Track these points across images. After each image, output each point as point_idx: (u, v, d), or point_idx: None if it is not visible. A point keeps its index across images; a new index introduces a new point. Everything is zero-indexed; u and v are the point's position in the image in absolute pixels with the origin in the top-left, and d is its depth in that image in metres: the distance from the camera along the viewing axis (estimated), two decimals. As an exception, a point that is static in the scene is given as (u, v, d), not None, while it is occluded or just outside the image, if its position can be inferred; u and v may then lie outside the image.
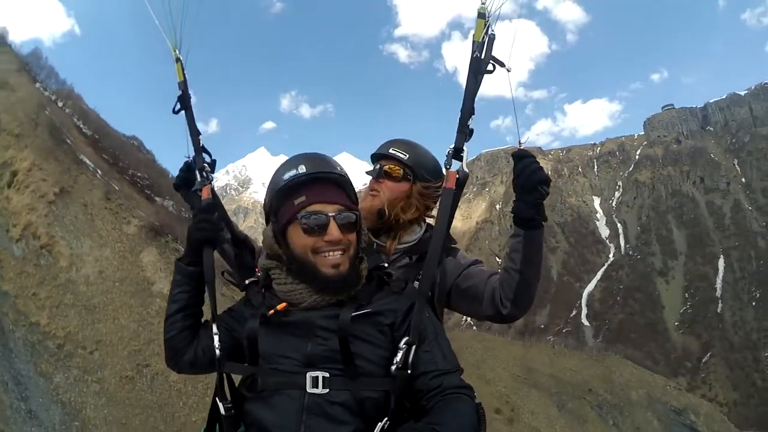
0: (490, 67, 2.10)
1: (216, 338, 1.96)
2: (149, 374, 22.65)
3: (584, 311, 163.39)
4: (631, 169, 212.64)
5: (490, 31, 2.11)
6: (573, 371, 53.59)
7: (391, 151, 2.53)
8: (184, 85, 2.60)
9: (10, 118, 30.19)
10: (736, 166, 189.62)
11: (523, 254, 2.06)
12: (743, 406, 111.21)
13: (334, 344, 1.78)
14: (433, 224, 2.22)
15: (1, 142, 28.75)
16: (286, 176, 1.92)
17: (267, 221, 2.06)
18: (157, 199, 36.22)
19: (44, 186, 27.29)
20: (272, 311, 1.86)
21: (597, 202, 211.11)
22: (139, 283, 26.67)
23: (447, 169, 2.14)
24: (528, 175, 1.96)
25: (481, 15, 2.10)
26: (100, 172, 33.68)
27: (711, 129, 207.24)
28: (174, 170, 2.43)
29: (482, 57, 2.10)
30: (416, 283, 2.11)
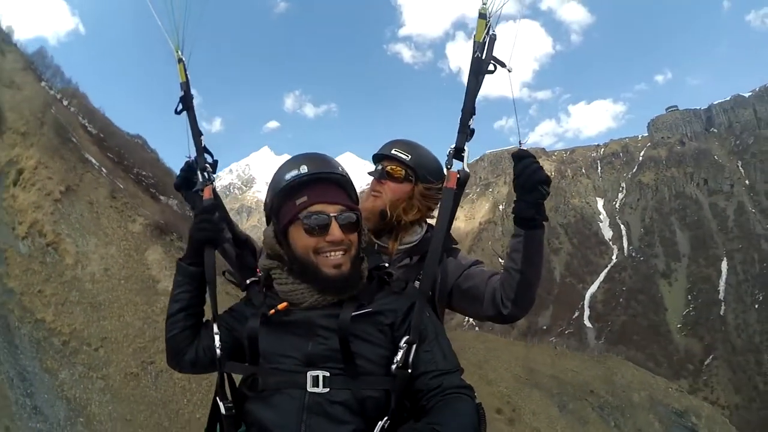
0: (491, 68, 2.11)
1: (217, 338, 1.97)
2: (154, 371, 22.70)
3: (587, 313, 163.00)
4: (634, 170, 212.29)
5: (491, 32, 2.12)
6: (574, 372, 53.56)
7: (393, 151, 2.53)
8: (186, 86, 2.61)
9: (16, 116, 30.20)
10: (740, 168, 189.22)
11: (524, 254, 2.07)
12: (745, 409, 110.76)
13: (334, 343, 1.79)
14: (434, 224, 2.21)
15: (7, 141, 28.76)
16: (288, 176, 1.93)
17: (267, 221, 2.09)
18: (161, 197, 36.34)
19: (50, 184, 27.37)
20: (273, 311, 1.87)
21: (600, 203, 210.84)
22: (145, 281, 26.79)
23: (448, 168, 2.16)
24: (528, 175, 1.97)
25: (482, 15, 2.12)
26: (105, 170, 33.76)
27: (715, 131, 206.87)
28: (178, 169, 2.50)
29: (483, 57, 2.11)
30: (417, 283, 2.11)
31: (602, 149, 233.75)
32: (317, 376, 1.75)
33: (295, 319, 1.87)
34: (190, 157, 2.54)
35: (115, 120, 51.48)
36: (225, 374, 1.98)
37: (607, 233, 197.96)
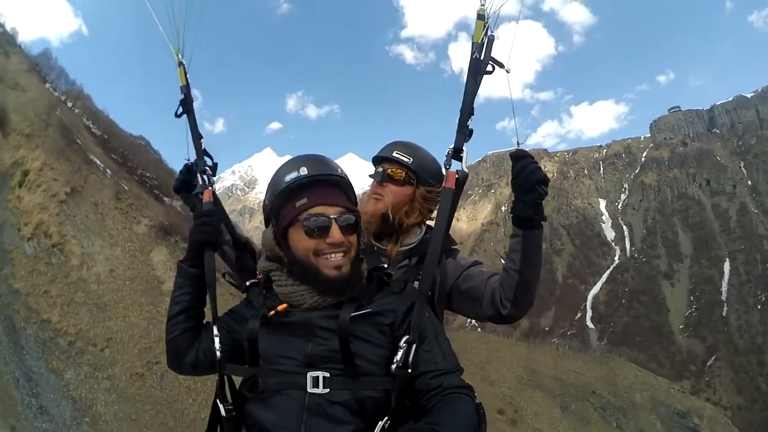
0: (489, 68, 2.13)
1: (217, 340, 1.98)
2: (159, 371, 22.75)
3: (589, 314, 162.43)
4: (637, 171, 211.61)
5: (489, 33, 2.14)
6: (577, 373, 53.43)
7: (394, 154, 2.52)
8: (186, 89, 2.61)
9: (20, 118, 30.28)
10: (743, 168, 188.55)
11: (522, 254, 2.08)
12: (747, 410, 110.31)
13: (334, 344, 1.79)
14: (433, 225, 2.22)
15: (12, 142, 28.87)
16: (288, 178, 1.93)
17: (266, 223, 2.08)
18: (165, 199, 36.42)
19: (55, 185, 27.48)
20: (273, 312, 1.87)
21: (603, 204, 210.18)
22: (150, 281, 26.89)
23: (447, 169, 2.17)
24: (526, 175, 1.98)
25: (480, 16, 2.14)
26: (109, 172, 33.84)
27: (717, 131, 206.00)
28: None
29: (481, 58, 2.13)
30: (416, 284, 2.12)
31: (604, 150, 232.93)
32: (317, 376, 1.76)
33: (295, 321, 1.88)
34: (189, 160, 2.56)
35: (117, 121, 51.44)
36: (225, 376, 1.99)
37: (610, 234, 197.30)
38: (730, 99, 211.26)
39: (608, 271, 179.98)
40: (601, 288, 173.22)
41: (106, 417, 21.21)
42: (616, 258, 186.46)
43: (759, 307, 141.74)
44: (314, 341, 1.83)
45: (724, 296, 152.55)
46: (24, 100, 32.52)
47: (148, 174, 41.07)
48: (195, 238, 2.18)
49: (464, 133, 2.15)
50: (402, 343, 1.81)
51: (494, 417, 37.82)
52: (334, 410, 1.72)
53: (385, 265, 2.21)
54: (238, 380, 1.99)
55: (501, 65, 2.12)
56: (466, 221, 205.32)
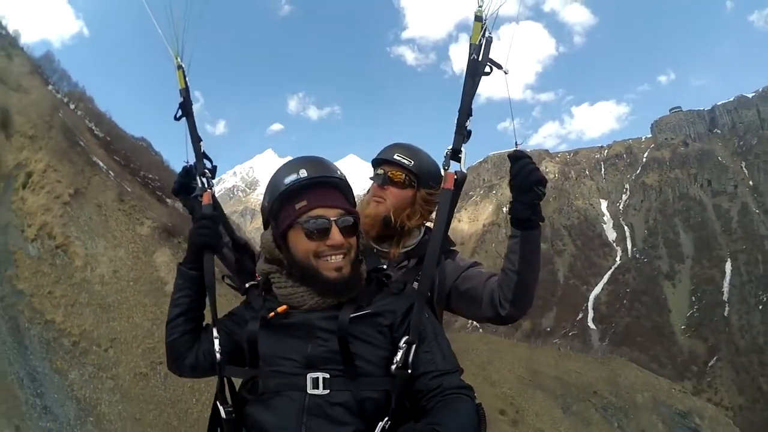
0: (487, 69, 2.13)
1: (216, 342, 1.97)
2: (163, 371, 22.84)
3: (590, 314, 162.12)
4: (638, 171, 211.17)
5: (487, 34, 2.14)
6: (578, 373, 53.49)
7: (395, 157, 2.49)
8: (185, 93, 2.59)
9: (23, 119, 30.45)
10: (744, 169, 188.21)
11: (521, 255, 2.08)
12: (749, 411, 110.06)
13: (333, 345, 1.78)
14: (432, 226, 2.20)
15: (16, 144, 29.05)
16: (287, 180, 1.91)
17: (265, 225, 2.06)
18: (168, 200, 36.55)
19: (59, 187, 27.64)
20: (272, 314, 1.87)
21: (604, 205, 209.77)
22: (153, 282, 27.07)
23: (445, 170, 2.16)
24: (524, 176, 1.99)
25: (478, 18, 2.14)
26: (112, 173, 34.00)
27: (718, 131, 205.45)
28: (181, 173, 2.48)
29: (479, 59, 2.12)
30: (415, 285, 2.10)
31: (606, 151, 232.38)
32: (317, 378, 1.75)
33: (295, 322, 1.87)
34: (188, 163, 2.55)
35: (118, 122, 51.33)
36: (225, 378, 1.99)
37: (611, 235, 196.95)
38: (731, 99, 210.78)
39: (609, 272, 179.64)
40: (602, 288, 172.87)
41: (110, 417, 21.33)
42: (618, 258, 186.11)
43: (760, 307, 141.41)
44: (314, 342, 1.83)
45: (725, 297, 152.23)
46: (27, 102, 32.69)
47: (150, 175, 41.19)
48: (194, 240, 2.18)
49: (462, 134, 2.15)
50: (401, 343, 1.80)
51: (496, 417, 37.92)
52: (334, 411, 1.72)
53: (384, 267, 2.23)
54: (238, 382, 1.99)
55: (499, 66, 2.13)
56: (468, 222, 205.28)
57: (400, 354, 1.78)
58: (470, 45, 2.14)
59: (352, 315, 1.82)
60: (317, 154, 2.13)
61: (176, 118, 2.57)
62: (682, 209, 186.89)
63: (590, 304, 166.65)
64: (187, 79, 2.62)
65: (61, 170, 28.67)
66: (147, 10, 2.54)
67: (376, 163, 2.59)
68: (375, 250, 2.45)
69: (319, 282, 1.86)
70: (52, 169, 28.26)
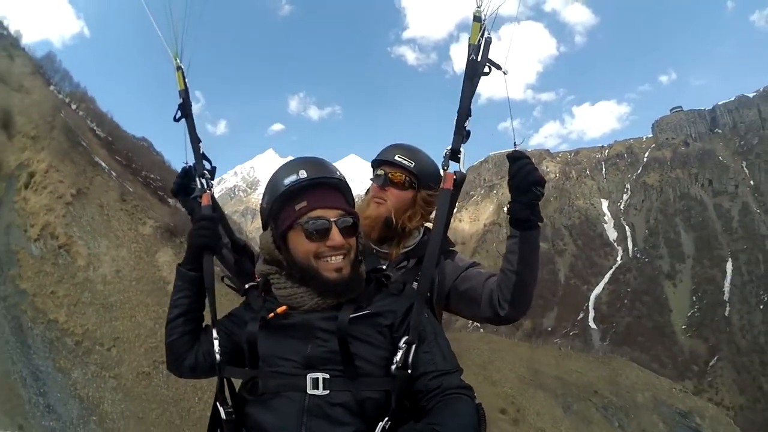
0: (486, 70, 2.12)
1: (216, 343, 1.96)
2: (165, 370, 22.59)
3: (591, 314, 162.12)
4: (639, 171, 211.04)
5: (485, 34, 2.13)
6: (579, 373, 53.53)
7: (396, 158, 2.49)
8: (185, 94, 2.58)
9: (25, 120, 30.49)
10: (745, 168, 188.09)
11: (520, 255, 2.08)
12: (749, 410, 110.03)
13: (333, 345, 1.78)
14: (431, 226, 2.20)
15: (18, 144, 29.10)
16: (287, 181, 1.91)
17: (264, 226, 2.04)
18: (170, 200, 36.62)
19: (61, 187, 27.73)
20: (272, 314, 1.86)
21: (605, 204, 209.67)
22: (155, 282, 27.14)
23: (444, 170, 2.14)
24: (523, 176, 1.98)
25: (477, 18, 2.13)
26: (114, 173, 34.07)
27: (719, 131, 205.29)
28: (181, 173, 2.46)
29: (478, 60, 2.11)
30: (415, 285, 2.10)
31: (606, 150, 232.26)
32: (317, 378, 1.75)
33: (294, 322, 1.86)
34: (187, 164, 2.53)
35: (119, 122, 51.48)
36: (225, 379, 1.98)
37: (612, 234, 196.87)
38: (732, 99, 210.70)
39: (610, 272, 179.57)
40: (603, 288, 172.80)
41: (112, 415, 21.40)
42: (619, 258, 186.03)
43: (761, 307, 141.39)
44: (314, 343, 1.82)
45: (726, 296, 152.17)
46: (29, 102, 32.69)
47: (152, 175, 41.23)
48: (194, 241, 2.17)
49: (462, 134, 2.14)
50: (401, 343, 1.80)
51: (497, 417, 37.97)
52: (334, 412, 1.71)
53: (384, 267, 2.24)
54: (238, 383, 1.98)
55: (498, 67, 2.13)
56: (469, 222, 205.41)
57: (400, 354, 1.78)
58: (469, 45, 2.15)
59: (351, 315, 1.81)
60: (318, 154, 2.17)
61: (176, 120, 2.57)
62: (683, 209, 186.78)
63: (591, 303, 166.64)
64: (186, 80, 2.61)
65: (63, 170, 28.73)
66: (146, 10, 2.54)
67: (376, 164, 2.58)
68: (375, 251, 2.45)
69: (319, 283, 1.86)
70: (54, 170, 28.32)
